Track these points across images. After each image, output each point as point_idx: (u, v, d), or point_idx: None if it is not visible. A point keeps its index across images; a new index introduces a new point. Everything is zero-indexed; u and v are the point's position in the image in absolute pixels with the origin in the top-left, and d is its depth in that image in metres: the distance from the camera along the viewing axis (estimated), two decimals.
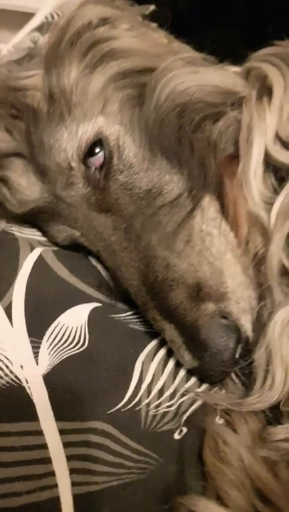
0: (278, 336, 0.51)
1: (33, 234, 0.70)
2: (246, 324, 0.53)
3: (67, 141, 0.62)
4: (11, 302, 0.56)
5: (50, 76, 0.64)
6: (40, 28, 1.19)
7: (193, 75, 0.64)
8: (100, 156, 0.61)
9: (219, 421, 0.51)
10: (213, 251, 0.56)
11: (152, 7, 1.27)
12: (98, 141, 0.61)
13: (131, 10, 0.77)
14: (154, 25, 0.84)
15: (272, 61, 0.62)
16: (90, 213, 0.63)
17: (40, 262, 0.63)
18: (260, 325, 0.54)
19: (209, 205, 0.59)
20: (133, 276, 0.58)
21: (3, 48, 1.30)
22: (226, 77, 0.65)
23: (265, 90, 0.61)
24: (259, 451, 0.48)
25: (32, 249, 0.64)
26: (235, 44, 0.88)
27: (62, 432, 0.47)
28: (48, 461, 0.45)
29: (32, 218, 0.69)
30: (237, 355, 0.52)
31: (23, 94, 0.65)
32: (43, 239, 0.69)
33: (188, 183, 0.60)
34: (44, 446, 0.46)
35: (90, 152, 0.62)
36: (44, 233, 0.70)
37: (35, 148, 0.63)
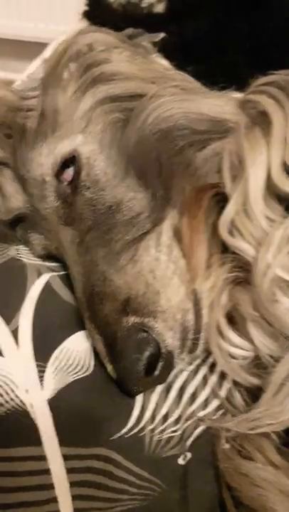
0: None
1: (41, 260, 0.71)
2: (169, 340, 0.53)
3: (45, 157, 0.66)
4: (18, 326, 0.57)
5: (46, 96, 0.68)
6: None
7: (180, 103, 0.65)
8: (71, 172, 0.64)
9: (225, 446, 0.50)
10: (156, 273, 0.56)
11: (162, 35, 1.30)
12: (72, 158, 0.64)
13: (130, 42, 0.79)
14: (155, 54, 0.86)
15: (270, 92, 0.63)
16: (58, 226, 0.66)
17: (47, 287, 0.63)
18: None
19: (167, 229, 0.60)
20: (78, 290, 0.60)
21: (17, 78, 1.34)
22: (214, 105, 0.66)
23: (260, 120, 0.62)
24: None
25: (39, 275, 0.65)
26: (239, 71, 0.90)
27: (65, 457, 0.47)
28: (50, 487, 0.46)
29: (16, 226, 0.72)
30: (157, 371, 0.52)
31: (23, 114, 0.69)
32: (52, 264, 0.70)
33: (150, 202, 0.61)
34: (47, 472, 0.46)
35: (63, 168, 0.65)
36: (27, 244, 0.72)
37: (18, 162, 0.67)
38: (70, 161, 0.65)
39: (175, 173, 0.62)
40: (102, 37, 0.74)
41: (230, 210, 0.58)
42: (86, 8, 1.48)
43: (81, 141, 0.65)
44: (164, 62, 0.84)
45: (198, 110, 0.66)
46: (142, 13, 1.45)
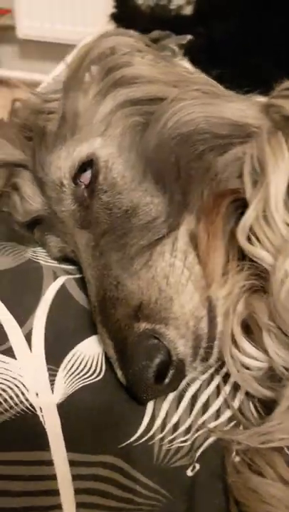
0: None
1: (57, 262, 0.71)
2: (180, 348, 0.52)
3: (64, 160, 0.66)
4: (32, 329, 0.57)
5: (67, 99, 0.68)
6: None
7: (202, 106, 0.64)
8: (88, 175, 0.64)
9: (235, 458, 0.49)
10: (170, 280, 0.55)
11: (188, 37, 1.29)
12: (90, 161, 0.64)
13: (154, 45, 0.78)
14: (180, 57, 0.85)
15: None
16: (74, 229, 0.66)
17: (62, 290, 0.63)
18: None
19: (183, 235, 0.59)
20: (91, 293, 0.59)
21: (44, 79, 1.35)
22: (237, 109, 0.65)
23: (283, 125, 0.61)
24: None
25: (55, 278, 0.65)
26: (264, 73, 0.88)
27: (72, 463, 0.47)
28: (56, 493, 0.45)
29: (34, 228, 0.72)
30: (167, 379, 0.50)
31: (44, 117, 0.70)
32: (68, 267, 0.70)
33: (167, 207, 0.60)
34: (53, 478, 0.46)
35: (81, 171, 0.65)
36: (44, 246, 0.72)
37: (37, 164, 0.68)
38: (88, 164, 0.64)
39: (194, 178, 0.61)
40: (125, 40, 0.73)
41: (249, 216, 0.57)
42: (114, 10, 1.48)
43: (100, 144, 0.65)
44: (188, 65, 0.83)
45: (219, 114, 0.65)
46: (170, 15, 1.45)
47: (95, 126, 0.66)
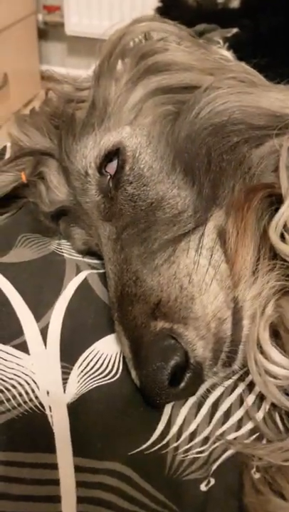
0: None
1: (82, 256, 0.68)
2: (199, 350, 0.47)
3: (90, 149, 0.63)
4: (49, 323, 0.55)
5: (98, 87, 0.65)
6: None
7: (237, 95, 0.60)
8: (115, 165, 0.61)
9: (255, 475, 0.45)
10: (193, 278, 0.51)
11: (235, 30, 1.25)
12: (116, 151, 0.61)
13: (189, 30, 0.74)
14: (217, 45, 0.81)
15: None
16: (98, 221, 0.63)
17: (84, 285, 0.61)
18: None
19: (210, 231, 0.54)
20: (111, 289, 0.56)
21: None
22: (276, 98, 0.61)
23: None
24: None
25: (78, 271, 0.63)
26: None
27: (77, 468, 0.44)
28: (57, 499, 0.42)
29: (59, 219, 0.70)
30: (183, 383, 0.46)
31: (74, 105, 0.68)
32: (92, 261, 0.68)
33: (195, 201, 0.56)
34: (56, 483, 0.43)
35: (107, 161, 0.62)
36: (69, 238, 0.70)
37: (63, 153, 0.65)
38: (115, 153, 0.61)
39: (225, 171, 0.58)
40: (159, 25, 0.70)
41: (283, 212, 0.53)
42: (159, 4, 1.45)
43: (128, 133, 0.62)
44: (226, 53, 0.79)
45: (256, 104, 0.60)
46: (217, 9, 1.41)
47: (125, 114, 0.63)
